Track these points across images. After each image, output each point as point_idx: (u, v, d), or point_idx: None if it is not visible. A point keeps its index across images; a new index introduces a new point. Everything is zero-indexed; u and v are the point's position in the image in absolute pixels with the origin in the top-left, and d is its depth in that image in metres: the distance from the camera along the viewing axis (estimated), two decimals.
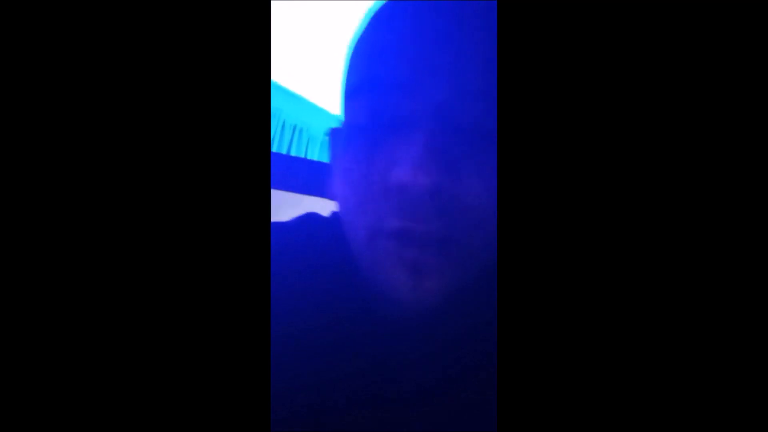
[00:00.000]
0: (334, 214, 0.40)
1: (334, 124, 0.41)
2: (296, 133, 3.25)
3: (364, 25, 0.37)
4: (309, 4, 2.21)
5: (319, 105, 3.19)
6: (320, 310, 0.36)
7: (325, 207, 0.42)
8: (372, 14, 0.36)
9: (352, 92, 0.35)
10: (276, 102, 3.04)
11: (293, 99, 3.13)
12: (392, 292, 0.32)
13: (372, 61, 0.34)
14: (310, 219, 0.43)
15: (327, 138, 0.41)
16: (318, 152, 3.29)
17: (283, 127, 3.14)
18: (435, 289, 0.32)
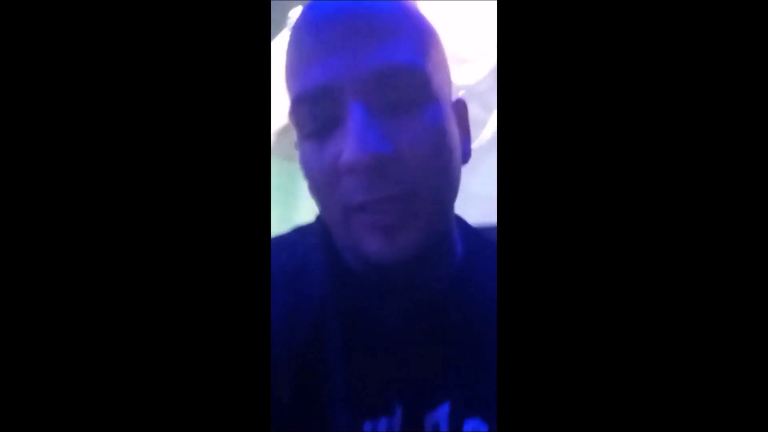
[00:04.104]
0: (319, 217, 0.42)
1: None
2: None
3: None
4: None
5: None
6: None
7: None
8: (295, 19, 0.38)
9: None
10: None
11: None
12: (370, 255, 0.34)
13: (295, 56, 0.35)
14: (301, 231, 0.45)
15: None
16: None
17: None
18: (408, 245, 0.34)
